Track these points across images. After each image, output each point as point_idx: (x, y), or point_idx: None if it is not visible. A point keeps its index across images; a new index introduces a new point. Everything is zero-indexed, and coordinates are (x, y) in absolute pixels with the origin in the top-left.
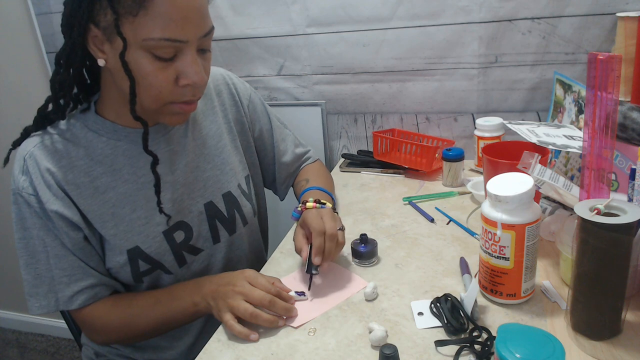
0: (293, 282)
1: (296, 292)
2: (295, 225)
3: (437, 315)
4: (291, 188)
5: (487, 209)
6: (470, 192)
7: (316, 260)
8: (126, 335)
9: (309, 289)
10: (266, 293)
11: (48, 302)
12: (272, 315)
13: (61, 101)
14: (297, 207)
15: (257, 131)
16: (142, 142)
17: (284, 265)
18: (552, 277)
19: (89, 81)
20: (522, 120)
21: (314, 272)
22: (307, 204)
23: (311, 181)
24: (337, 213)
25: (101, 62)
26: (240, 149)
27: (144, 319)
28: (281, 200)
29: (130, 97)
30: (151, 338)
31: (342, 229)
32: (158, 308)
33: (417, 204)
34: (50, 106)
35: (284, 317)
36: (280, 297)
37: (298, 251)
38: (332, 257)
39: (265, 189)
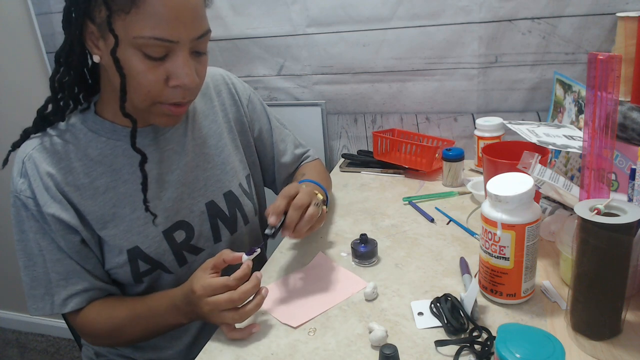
0: (293, 282)
1: (247, 253)
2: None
3: (437, 315)
4: None
5: (487, 209)
6: (470, 192)
7: (271, 219)
8: (116, 342)
9: (260, 248)
10: (230, 293)
11: (44, 305)
12: (252, 301)
13: (61, 102)
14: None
15: (257, 131)
16: (130, 140)
17: (284, 265)
18: (552, 277)
19: (90, 81)
20: (522, 120)
21: (267, 231)
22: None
23: (307, 175)
24: (326, 206)
25: (96, 59)
26: (241, 149)
27: (129, 329)
28: None
29: (120, 94)
30: (144, 342)
31: (317, 204)
32: (139, 322)
33: (417, 204)
34: (49, 107)
35: (262, 290)
36: (242, 279)
37: (266, 213)
38: (300, 229)
39: (266, 189)
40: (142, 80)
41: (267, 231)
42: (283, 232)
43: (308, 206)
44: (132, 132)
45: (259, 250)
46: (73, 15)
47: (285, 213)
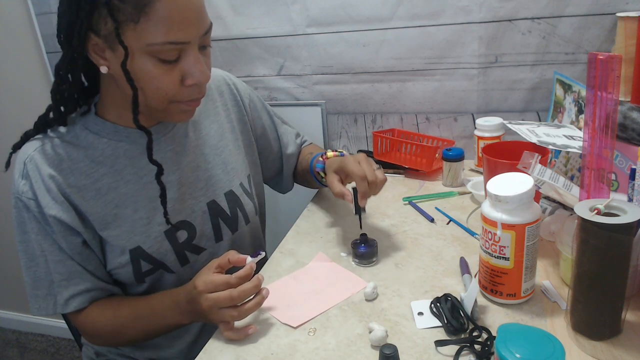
0: (293, 282)
1: (252, 256)
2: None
3: (437, 315)
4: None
5: (487, 209)
6: (470, 192)
7: (363, 202)
8: (117, 342)
9: (360, 228)
10: (230, 290)
11: (47, 305)
12: (253, 300)
13: (62, 108)
14: (317, 158)
15: (260, 128)
16: (147, 152)
17: (284, 265)
18: (552, 277)
19: (86, 84)
20: (522, 120)
21: (363, 213)
22: (328, 153)
23: (313, 153)
24: None
25: (104, 70)
26: (242, 148)
27: (130, 330)
28: (284, 193)
29: (132, 106)
30: (145, 342)
31: (379, 167)
32: (141, 322)
33: (417, 204)
34: (51, 114)
35: (262, 291)
36: (244, 278)
37: (340, 195)
38: (374, 193)
39: (266, 190)
40: (159, 85)
41: (363, 212)
42: (361, 202)
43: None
44: (148, 144)
45: (263, 253)
46: (74, 29)
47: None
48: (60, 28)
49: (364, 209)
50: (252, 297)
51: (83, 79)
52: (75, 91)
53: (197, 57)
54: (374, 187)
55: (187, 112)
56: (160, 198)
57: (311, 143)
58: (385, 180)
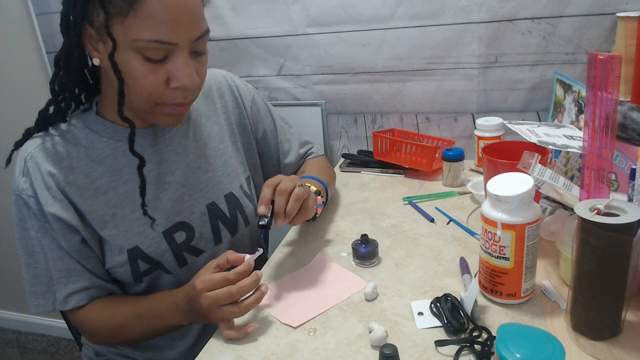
0: (293, 282)
1: (250, 253)
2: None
3: (437, 315)
4: None
5: (487, 209)
6: (470, 192)
7: (260, 209)
8: (116, 341)
9: (260, 245)
10: (229, 287)
11: (46, 302)
12: (252, 295)
13: (62, 104)
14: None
15: (261, 132)
16: (128, 143)
17: (284, 265)
18: (552, 277)
19: (91, 81)
20: (522, 120)
21: (261, 222)
22: (309, 184)
23: (307, 172)
24: (326, 198)
25: (96, 62)
26: (242, 151)
27: (129, 329)
28: None
29: (118, 97)
30: (144, 342)
31: (302, 185)
32: (140, 322)
33: (417, 204)
34: (51, 109)
35: (262, 287)
36: (242, 274)
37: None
38: (290, 213)
39: None
40: (142, 83)
41: (261, 222)
42: (276, 220)
43: (293, 190)
44: (130, 135)
45: (261, 250)
46: (71, 19)
47: (273, 202)
48: (61, 17)
49: (269, 224)
50: (251, 293)
51: (88, 76)
52: (75, 86)
53: (186, 60)
54: (280, 196)
55: (173, 116)
56: (139, 189)
57: (319, 156)
58: (299, 196)
